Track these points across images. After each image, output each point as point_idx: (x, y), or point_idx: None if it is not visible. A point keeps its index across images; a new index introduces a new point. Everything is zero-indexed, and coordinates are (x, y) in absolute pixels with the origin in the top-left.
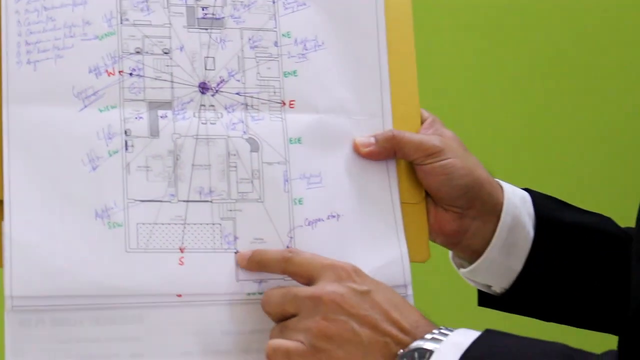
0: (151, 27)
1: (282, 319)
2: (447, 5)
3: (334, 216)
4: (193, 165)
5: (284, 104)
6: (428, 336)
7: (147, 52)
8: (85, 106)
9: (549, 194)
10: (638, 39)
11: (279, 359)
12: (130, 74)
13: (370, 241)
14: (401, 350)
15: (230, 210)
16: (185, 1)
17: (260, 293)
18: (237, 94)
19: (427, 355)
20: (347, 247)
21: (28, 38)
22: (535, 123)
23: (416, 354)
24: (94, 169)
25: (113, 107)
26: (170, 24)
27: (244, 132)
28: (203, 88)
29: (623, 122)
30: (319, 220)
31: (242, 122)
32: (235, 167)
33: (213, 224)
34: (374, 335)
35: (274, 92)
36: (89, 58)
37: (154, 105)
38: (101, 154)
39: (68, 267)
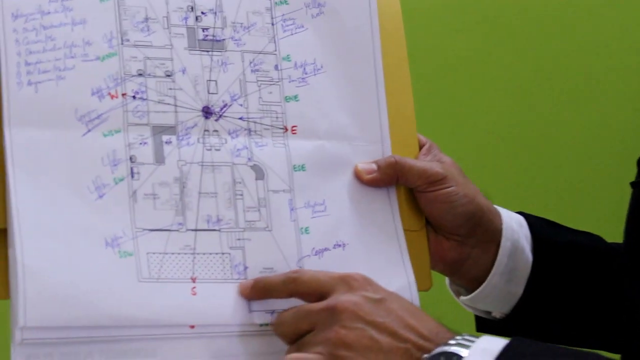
0: (152, 49)
1: (297, 338)
2: (441, 5)
3: (339, 245)
4: (200, 193)
5: (286, 129)
6: (452, 342)
7: (149, 74)
8: (89, 130)
9: (546, 195)
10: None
11: None
12: (134, 97)
13: (377, 270)
14: (425, 355)
15: (239, 239)
16: (186, 22)
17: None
18: (241, 118)
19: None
20: None
21: (28, 58)
22: (532, 125)
23: (442, 358)
24: (100, 196)
25: (117, 132)
26: (171, 45)
27: (249, 159)
28: (207, 112)
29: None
30: (326, 249)
31: (247, 148)
32: (242, 195)
33: (222, 254)
34: (393, 342)
35: (277, 118)
36: (91, 80)
37: (158, 130)
38: (107, 181)
39: (82, 296)
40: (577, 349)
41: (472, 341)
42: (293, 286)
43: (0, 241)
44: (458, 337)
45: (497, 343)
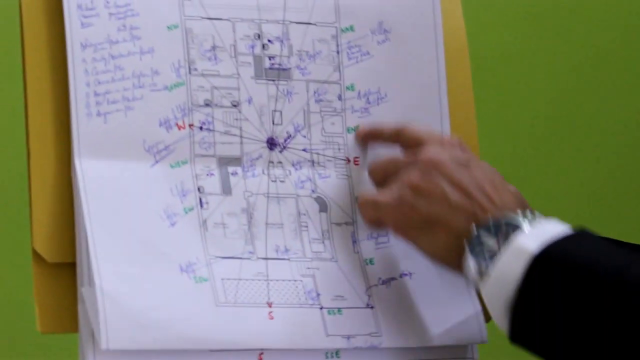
0: (219, 78)
1: (384, 182)
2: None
3: (406, 274)
4: (267, 223)
5: (349, 160)
6: (519, 212)
7: (216, 105)
8: (157, 161)
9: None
10: None
11: (368, 209)
12: (200, 128)
13: (445, 298)
14: (491, 219)
15: (308, 268)
16: (252, 51)
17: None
18: (304, 150)
19: (515, 231)
20: (424, 304)
21: (97, 88)
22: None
23: (504, 227)
24: (172, 224)
25: (184, 163)
26: (238, 74)
27: (313, 191)
28: (271, 144)
29: None
30: (393, 279)
31: (310, 180)
32: (307, 226)
33: (295, 281)
34: (462, 200)
35: (339, 149)
36: (159, 110)
37: (224, 162)
38: (177, 210)
39: (162, 320)
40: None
41: (540, 219)
42: (398, 136)
43: (68, 275)
44: (528, 212)
45: (562, 229)
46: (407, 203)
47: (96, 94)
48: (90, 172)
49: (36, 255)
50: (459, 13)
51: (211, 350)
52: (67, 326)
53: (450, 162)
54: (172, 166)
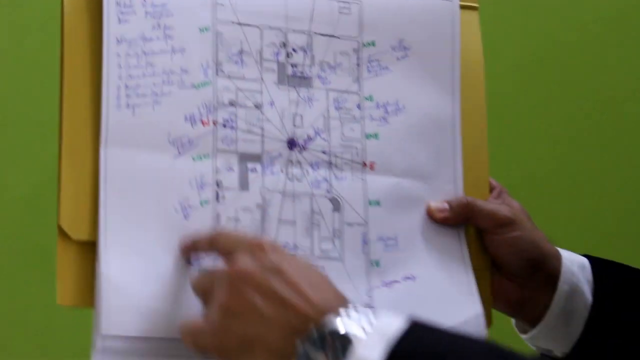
0: (244, 81)
1: (207, 296)
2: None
3: (409, 278)
4: (279, 220)
5: (365, 165)
6: (343, 313)
7: (239, 105)
8: (180, 154)
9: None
10: None
11: (188, 339)
12: (224, 125)
13: (447, 301)
14: (314, 330)
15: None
16: (277, 58)
17: None
18: (323, 152)
19: (345, 342)
20: (424, 308)
21: (128, 82)
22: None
23: (329, 337)
24: (185, 217)
25: (206, 157)
26: (262, 79)
27: (328, 191)
28: (291, 144)
29: None
30: (395, 281)
31: (327, 180)
32: (319, 225)
33: None
34: (276, 312)
35: (357, 153)
36: (186, 106)
37: (244, 158)
38: (193, 203)
39: (162, 309)
40: (475, 338)
41: (365, 315)
42: (212, 246)
43: (90, 254)
44: (352, 310)
45: (394, 325)
46: (221, 327)
47: (127, 87)
48: (114, 161)
49: (61, 231)
50: (477, 33)
51: None
52: (86, 301)
53: (259, 270)
54: (194, 159)
